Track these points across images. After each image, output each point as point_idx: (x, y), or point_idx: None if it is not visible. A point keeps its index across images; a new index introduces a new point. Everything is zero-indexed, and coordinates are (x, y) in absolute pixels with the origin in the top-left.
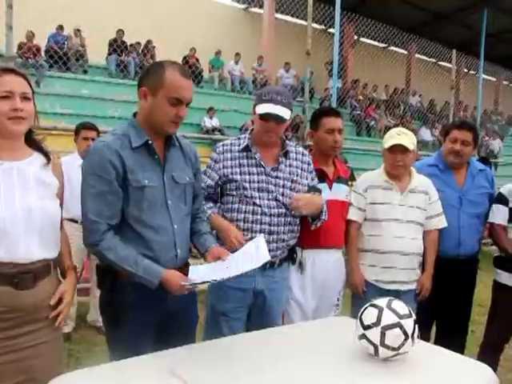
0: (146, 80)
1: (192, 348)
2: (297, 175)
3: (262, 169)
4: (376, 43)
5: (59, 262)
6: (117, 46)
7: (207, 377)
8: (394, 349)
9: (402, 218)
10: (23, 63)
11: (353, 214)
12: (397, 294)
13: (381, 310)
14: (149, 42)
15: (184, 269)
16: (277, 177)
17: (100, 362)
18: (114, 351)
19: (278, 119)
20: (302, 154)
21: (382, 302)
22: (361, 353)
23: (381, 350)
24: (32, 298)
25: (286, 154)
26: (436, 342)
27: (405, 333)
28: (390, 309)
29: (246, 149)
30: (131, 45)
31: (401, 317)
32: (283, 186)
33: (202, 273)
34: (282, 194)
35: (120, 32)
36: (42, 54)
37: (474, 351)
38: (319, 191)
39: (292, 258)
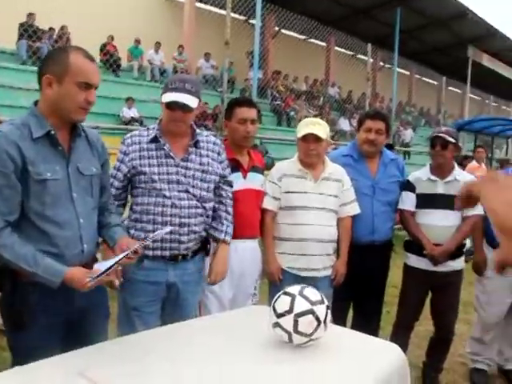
0: (50, 67)
1: (102, 346)
2: (208, 165)
3: (172, 160)
4: (296, 35)
5: None
6: (25, 31)
7: (119, 375)
8: (307, 335)
9: (316, 205)
10: None
11: (268, 203)
12: (313, 281)
13: (293, 298)
14: (63, 27)
15: (91, 264)
16: (187, 168)
17: (7, 368)
18: (18, 357)
19: (184, 108)
20: (214, 143)
21: (294, 289)
22: (275, 341)
23: (294, 336)
24: None
25: (196, 144)
26: (353, 326)
27: (317, 319)
28: (303, 296)
29: (155, 140)
30: (43, 29)
31: (313, 303)
32: (193, 177)
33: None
34: (193, 186)
35: (31, 15)
36: None
37: (390, 330)
38: None
39: (205, 249)
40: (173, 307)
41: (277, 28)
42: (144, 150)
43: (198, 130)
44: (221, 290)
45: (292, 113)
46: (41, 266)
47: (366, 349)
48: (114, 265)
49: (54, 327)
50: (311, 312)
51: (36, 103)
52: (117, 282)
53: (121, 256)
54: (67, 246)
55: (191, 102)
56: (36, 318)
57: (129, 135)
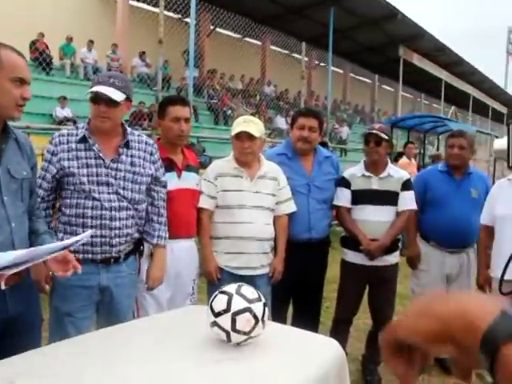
0: None
1: (34, 354)
2: (139, 166)
3: (101, 161)
4: (232, 34)
5: None
6: None
7: (51, 383)
8: (245, 333)
9: (253, 204)
10: None
11: (204, 202)
12: (251, 279)
13: (230, 296)
14: None
15: (24, 270)
16: (117, 169)
17: None
18: None
19: (108, 102)
20: (146, 143)
21: (231, 288)
22: (214, 340)
23: (233, 335)
24: None
25: (126, 144)
26: (293, 322)
27: (255, 316)
28: (239, 294)
29: (84, 140)
30: None
31: (250, 301)
32: (124, 179)
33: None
34: (123, 188)
35: None
36: None
37: (330, 325)
38: None
39: (139, 250)
40: (107, 311)
41: (212, 27)
42: (73, 150)
43: (129, 130)
44: (158, 290)
45: (229, 111)
46: None
47: (305, 345)
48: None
49: None
50: (248, 310)
51: None
52: (47, 286)
53: (20, 255)
54: None
55: (115, 95)
56: None
57: (57, 134)
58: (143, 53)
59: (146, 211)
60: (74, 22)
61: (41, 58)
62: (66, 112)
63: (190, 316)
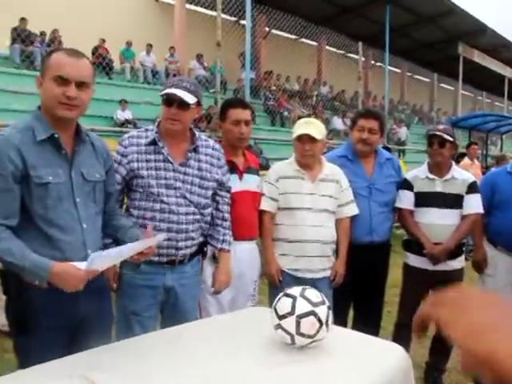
0: (40, 69)
1: (104, 349)
2: (206, 171)
3: (170, 164)
4: (287, 35)
5: None
6: (17, 35)
7: (120, 378)
8: (309, 336)
9: (314, 206)
10: None
11: (266, 205)
12: (312, 282)
13: (294, 299)
14: (54, 31)
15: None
16: (185, 173)
17: (12, 370)
18: (23, 360)
19: (181, 103)
20: (213, 149)
21: (295, 291)
22: (278, 342)
23: (297, 338)
24: None
25: (195, 149)
26: (354, 326)
27: (319, 320)
28: (304, 297)
29: (153, 143)
30: (34, 33)
31: (314, 304)
32: (191, 183)
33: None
34: (191, 192)
35: (23, 20)
36: None
37: (391, 330)
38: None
39: (202, 252)
40: (172, 311)
41: (267, 28)
42: (142, 152)
43: (197, 134)
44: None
45: (285, 113)
46: (27, 260)
47: (370, 350)
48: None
49: (57, 331)
50: (313, 313)
51: (40, 107)
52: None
53: (114, 254)
54: (71, 250)
55: (187, 97)
56: (40, 322)
57: (126, 136)
58: (201, 55)
59: (210, 215)
60: (133, 27)
61: (104, 63)
62: (127, 114)
63: (253, 318)
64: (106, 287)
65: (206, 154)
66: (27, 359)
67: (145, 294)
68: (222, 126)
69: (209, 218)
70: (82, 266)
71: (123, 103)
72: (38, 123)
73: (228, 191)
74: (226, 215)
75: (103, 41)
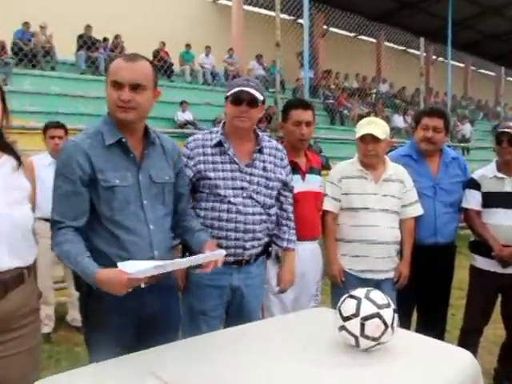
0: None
1: (171, 347)
2: (271, 171)
3: (236, 165)
4: (346, 33)
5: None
6: (84, 42)
7: (187, 376)
8: (374, 339)
9: (378, 207)
10: None
11: (328, 205)
12: (375, 283)
13: (359, 301)
14: (117, 36)
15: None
16: (251, 174)
17: (81, 363)
18: (94, 354)
19: (250, 100)
20: (276, 149)
21: (360, 292)
22: (341, 344)
23: (361, 340)
24: (2, 309)
25: (260, 150)
26: (417, 329)
27: (384, 322)
28: (369, 299)
29: (219, 144)
30: (99, 40)
31: (379, 307)
32: (258, 184)
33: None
34: (257, 192)
35: (88, 27)
36: (9, 51)
37: (456, 334)
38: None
39: (267, 252)
40: (237, 311)
41: (325, 27)
42: (208, 154)
43: (261, 135)
44: None
45: (345, 111)
46: (79, 265)
47: (437, 354)
48: (152, 270)
49: (127, 328)
50: (378, 315)
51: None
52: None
53: (163, 264)
54: (137, 251)
55: (256, 94)
56: (110, 319)
57: (191, 138)
58: (260, 56)
59: (275, 215)
60: (192, 30)
61: (165, 66)
62: (187, 115)
63: (316, 318)
64: (175, 286)
65: (270, 155)
66: (97, 354)
67: (212, 294)
68: (284, 127)
69: (274, 218)
70: (127, 269)
71: (183, 105)
72: (107, 128)
73: (291, 191)
74: (290, 215)
75: (163, 44)
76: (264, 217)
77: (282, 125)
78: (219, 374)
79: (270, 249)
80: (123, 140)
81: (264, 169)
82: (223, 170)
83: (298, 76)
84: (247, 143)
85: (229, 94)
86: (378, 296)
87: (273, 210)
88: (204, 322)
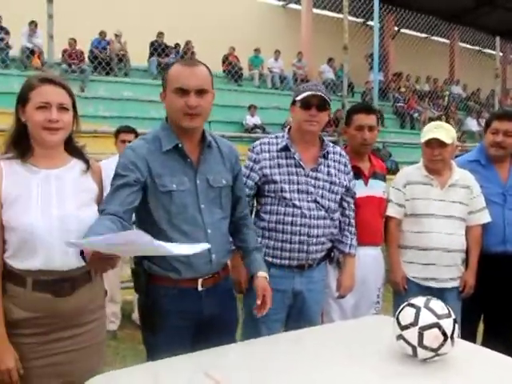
0: (162, 83)
1: (228, 349)
2: (335, 176)
3: (302, 169)
4: (417, 34)
5: None
6: (155, 49)
7: (241, 377)
8: (432, 350)
9: (443, 213)
10: (67, 69)
11: (392, 211)
12: (439, 292)
13: (418, 310)
14: (188, 42)
15: (221, 274)
16: (316, 178)
17: (145, 361)
18: (151, 353)
19: (320, 104)
20: (340, 155)
21: (419, 301)
22: (399, 353)
23: (419, 350)
24: (70, 304)
25: (325, 155)
26: (483, 342)
27: (444, 333)
28: (428, 308)
29: (285, 148)
30: (170, 46)
31: (439, 317)
32: (323, 188)
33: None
34: (322, 196)
35: (160, 34)
36: (86, 59)
37: None
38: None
39: (330, 257)
40: (298, 315)
41: (396, 28)
42: (274, 158)
43: (326, 141)
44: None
45: (415, 114)
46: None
47: (503, 370)
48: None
49: (183, 329)
50: (437, 325)
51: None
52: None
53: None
54: (195, 255)
55: (326, 98)
56: (167, 320)
57: (258, 143)
58: (331, 59)
59: (338, 220)
60: (261, 35)
61: (233, 71)
62: (256, 120)
63: (375, 326)
64: (232, 289)
65: (335, 160)
66: (154, 353)
67: (274, 298)
68: (347, 132)
69: (337, 223)
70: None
71: (252, 109)
72: (165, 133)
73: (353, 197)
74: (352, 221)
75: (233, 49)
76: (328, 221)
77: (345, 129)
78: (272, 377)
79: (332, 254)
80: (179, 145)
81: (328, 173)
82: (289, 174)
83: (367, 79)
84: (313, 148)
85: (298, 98)
86: (438, 306)
87: (336, 215)
88: (264, 325)
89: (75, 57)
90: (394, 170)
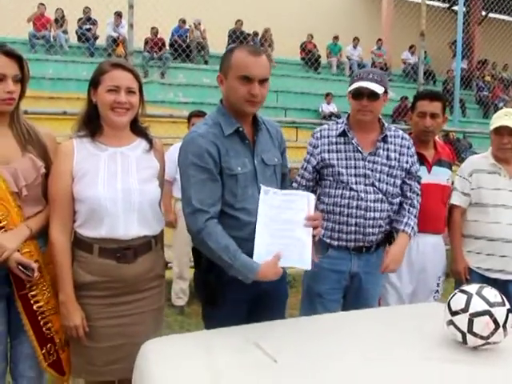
0: (221, 66)
1: (278, 323)
2: (394, 159)
3: (359, 154)
4: (507, 18)
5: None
6: (236, 37)
7: (289, 352)
8: (482, 337)
9: (511, 203)
10: (150, 57)
11: (456, 199)
12: (504, 284)
13: (470, 296)
14: (266, 30)
15: None
16: (374, 162)
17: None
18: (209, 326)
19: (370, 95)
20: (402, 138)
21: (472, 288)
22: (449, 340)
23: (469, 337)
24: (132, 271)
25: (384, 139)
26: None
27: (495, 321)
28: (480, 296)
29: (343, 134)
30: (249, 34)
31: (491, 304)
32: (380, 172)
33: (266, 249)
34: (379, 180)
35: (239, 22)
36: (167, 47)
37: None
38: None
39: (389, 242)
40: (354, 297)
41: (484, 12)
42: (333, 143)
43: (386, 125)
44: (400, 283)
45: (500, 104)
46: (239, 260)
47: None
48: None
49: (239, 303)
50: (488, 313)
51: (221, 102)
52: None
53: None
54: (254, 231)
55: (376, 88)
56: (225, 295)
57: (318, 129)
58: (412, 46)
59: (399, 205)
60: (340, 22)
61: (310, 58)
62: (332, 107)
63: (429, 312)
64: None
65: (395, 144)
66: (212, 326)
67: (330, 278)
68: (412, 118)
69: (396, 207)
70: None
71: (329, 97)
72: (223, 118)
73: (418, 181)
74: (415, 202)
75: (311, 36)
76: (386, 205)
77: (410, 116)
78: (320, 354)
79: (392, 239)
80: (240, 129)
81: (387, 157)
82: (347, 159)
83: (450, 67)
84: (372, 133)
85: (350, 88)
86: (491, 293)
87: (396, 200)
88: (320, 305)
89: (156, 45)
90: None
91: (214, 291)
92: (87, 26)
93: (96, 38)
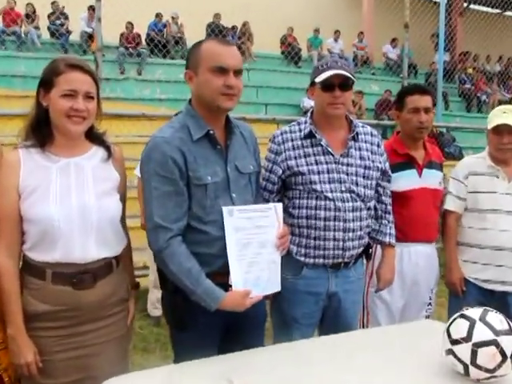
0: (189, 62)
1: (254, 353)
2: (368, 159)
3: (331, 156)
4: (489, 9)
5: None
6: (212, 31)
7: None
8: (487, 370)
9: (510, 209)
10: (126, 53)
11: (451, 204)
12: (502, 296)
13: (472, 323)
14: (245, 24)
15: None
16: (348, 164)
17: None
18: (178, 354)
19: (341, 85)
20: (371, 135)
21: (474, 312)
22: (448, 370)
23: (472, 370)
24: (91, 297)
25: (354, 137)
26: None
27: (502, 352)
28: (484, 322)
29: (310, 135)
30: (227, 28)
31: (497, 333)
32: (356, 174)
33: (243, 277)
34: (357, 184)
35: (217, 16)
36: (143, 42)
37: None
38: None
39: (367, 253)
40: (333, 318)
41: (465, 4)
42: (299, 147)
43: (355, 121)
44: (391, 297)
45: (483, 97)
46: (202, 286)
47: None
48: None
49: (212, 328)
50: (495, 343)
51: (190, 102)
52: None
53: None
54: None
55: (349, 75)
56: (196, 319)
57: (278, 132)
58: (394, 39)
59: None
60: (320, 15)
61: (290, 52)
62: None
63: (422, 333)
64: None
65: (366, 142)
66: (182, 351)
67: (307, 301)
68: (400, 116)
69: (373, 212)
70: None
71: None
72: (193, 120)
73: (389, 181)
74: (389, 207)
75: (291, 29)
76: (364, 212)
77: (397, 114)
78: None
79: (370, 250)
80: (211, 132)
81: (361, 157)
82: (317, 163)
83: (432, 60)
84: (340, 131)
85: (318, 79)
86: (496, 319)
87: (372, 203)
88: (297, 330)
89: (132, 40)
90: (457, 157)
91: (182, 314)
92: (59, 21)
93: (69, 33)
